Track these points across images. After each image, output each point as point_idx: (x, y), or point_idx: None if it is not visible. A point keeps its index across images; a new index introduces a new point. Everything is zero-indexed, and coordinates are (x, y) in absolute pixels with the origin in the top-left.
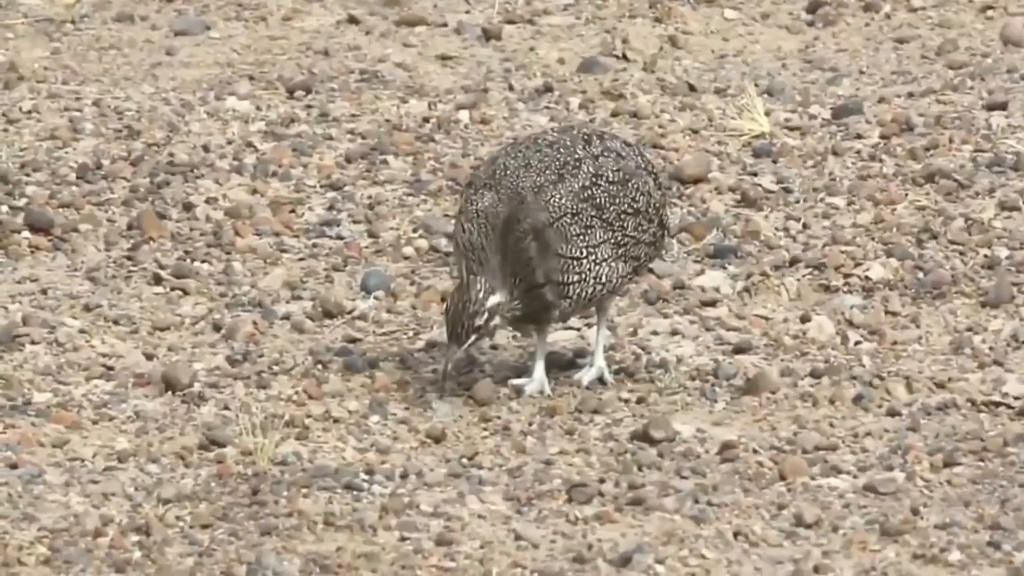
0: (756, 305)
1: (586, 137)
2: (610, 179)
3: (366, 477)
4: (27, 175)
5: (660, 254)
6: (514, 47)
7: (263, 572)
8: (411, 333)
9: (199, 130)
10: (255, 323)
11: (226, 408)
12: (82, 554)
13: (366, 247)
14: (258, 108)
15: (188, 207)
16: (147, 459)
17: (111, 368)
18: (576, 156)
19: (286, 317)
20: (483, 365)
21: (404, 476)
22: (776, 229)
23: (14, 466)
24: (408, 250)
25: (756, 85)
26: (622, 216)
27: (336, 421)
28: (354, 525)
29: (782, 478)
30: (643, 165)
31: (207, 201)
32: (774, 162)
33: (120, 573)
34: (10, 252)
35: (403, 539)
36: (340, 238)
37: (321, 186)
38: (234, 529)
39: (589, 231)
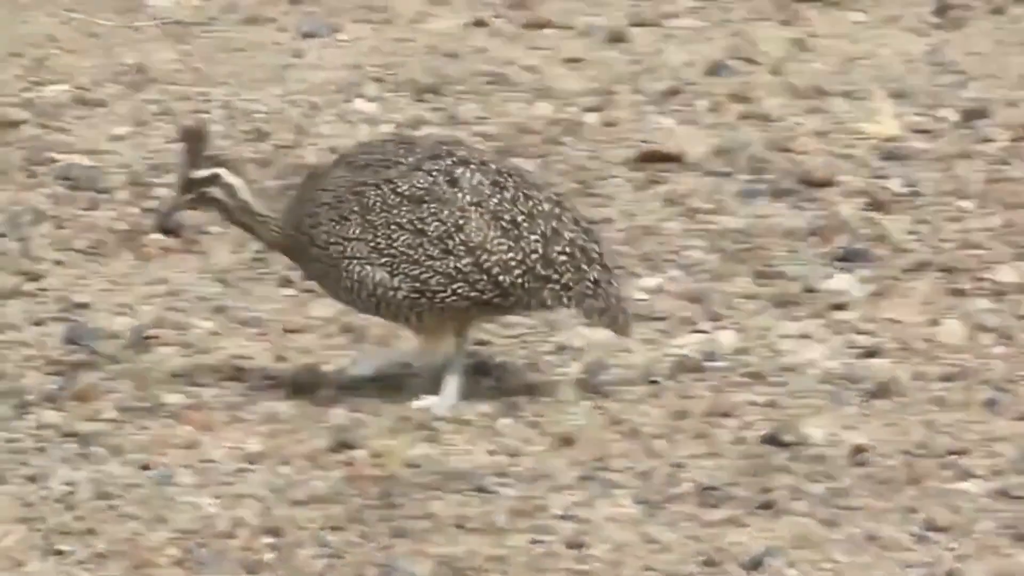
0: (886, 308)
1: (438, 153)
2: (398, 189)
3: (497, 480)
4: (157, 177)
5: (490, 297)
6: (642, 50)
7: (394, 575)
8: (541, 335)
9: (327, 132)
10: (385, 325)
11: (357, 410)
12: (214, 556)
13: None
14: (386, 110)
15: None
16: (279, 461)
17: (242, 370)
18: (396, 159)
19: None
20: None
21: (535, 479)
22: (905, 232)
23: (146, 468)
24: None
25: (885, 88)
26: (391, 226)
27: (467, 424)
28: (485, 528)
29: (913, 482)
30: (477, 203)
31: None
32: (903, 165)
33: (252, 575)
34: (141, 254)
35: (534, 542)
36: None
37: None
38: (365, 531)
39: (344, 223)
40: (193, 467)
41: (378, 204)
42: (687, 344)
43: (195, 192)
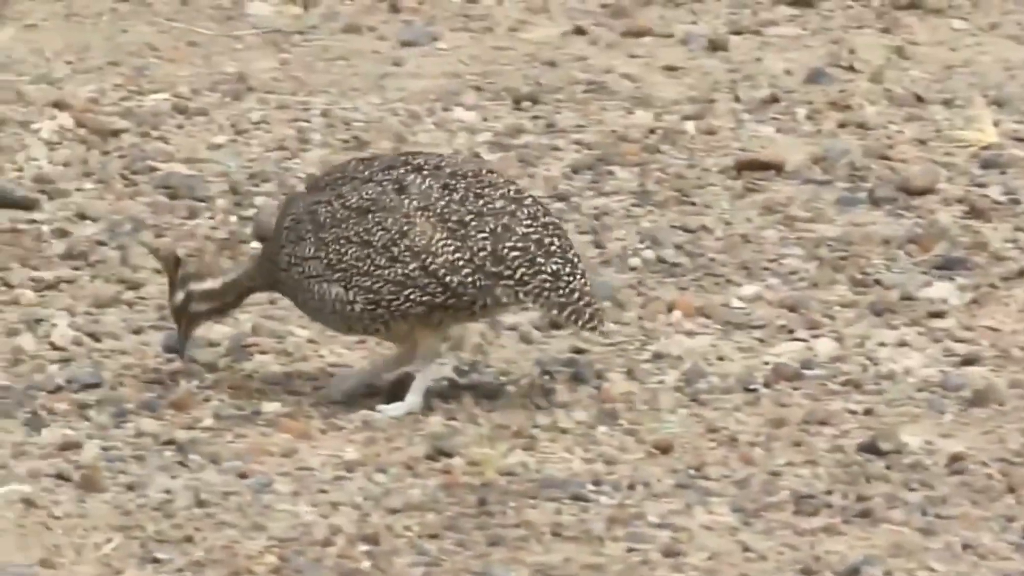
0: (984, 316)
1: (393, 164)
2: (347, 203)
3: (593, 488)
4: (256, 186)
5: (443, 299)
6: (740, 58)
7: None
8: (638, 343)
9: (426, 141)
10: (482, 334)
11: (454, 419)
12: (311, 563)
13: (592, 258)
14: (484, 119)
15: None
16: (375, 469)
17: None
18: (353, 174)
19: (513, 328)
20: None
21: (631, 487)
22: (1004, 240)
23: (244, 475)
24: (634, 261)
25: (984, 96)
26: (340, 241)
27: (563, 432)
28: (581, 536)
29: (1011, 491)
30: (423, 207)
31: None
32: (1002, 173)
33: None
34: (239, 262)
35: (630, 550)
36: None
37: (547, 196)
38: (462, 539)
39: (301, 243)
40: (290, 475)
41: (328, 220)
42: (784, 352)
43: (185, 318)
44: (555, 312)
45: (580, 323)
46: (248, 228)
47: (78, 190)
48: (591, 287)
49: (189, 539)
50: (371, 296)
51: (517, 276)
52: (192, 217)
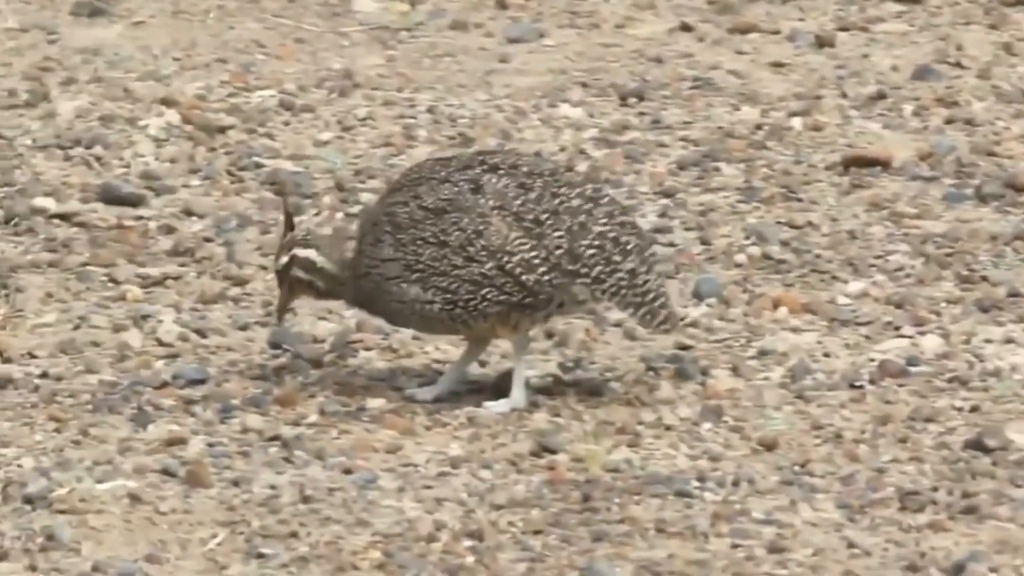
0: None
1: (470, 164)
2: (424, 203)
3: (698, 484)
4: (361, 182)
5: (520, 298)
6: (847, 54)
7: None
8: (743, 340)
9: (532, 137)
10: (587, 330)
11: (558, 415)
12: (415, 559)
13: (698, 254)
14: (591, 115)
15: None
16: (480, 465)
17: (444, 374)
18: (430, 175)
19: (618, 324)
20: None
21: (736, 483)
22: None
23: (349, 471)
24: (740, 257)
25: None
26: (417, 242)
27: (668, 428)
28: (685, 532)
29: None
30: (499, 207)
31: None
32: None
33: None
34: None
35: (735, 546)
36: (672, 245)
37: (654, 193)
38: (566, 535)
39: (379, 245)
40: (395, 471)
41: (405, 221)
42: (890, 349)
43: (286, 282)
44: (630, 311)
45: (654, 324)
46: (354, 225)
47: (185, 186)
48: (666, 289)
49: (294, 535)
50: (448, 296)
51: (594, 274)
52: (298, 214)
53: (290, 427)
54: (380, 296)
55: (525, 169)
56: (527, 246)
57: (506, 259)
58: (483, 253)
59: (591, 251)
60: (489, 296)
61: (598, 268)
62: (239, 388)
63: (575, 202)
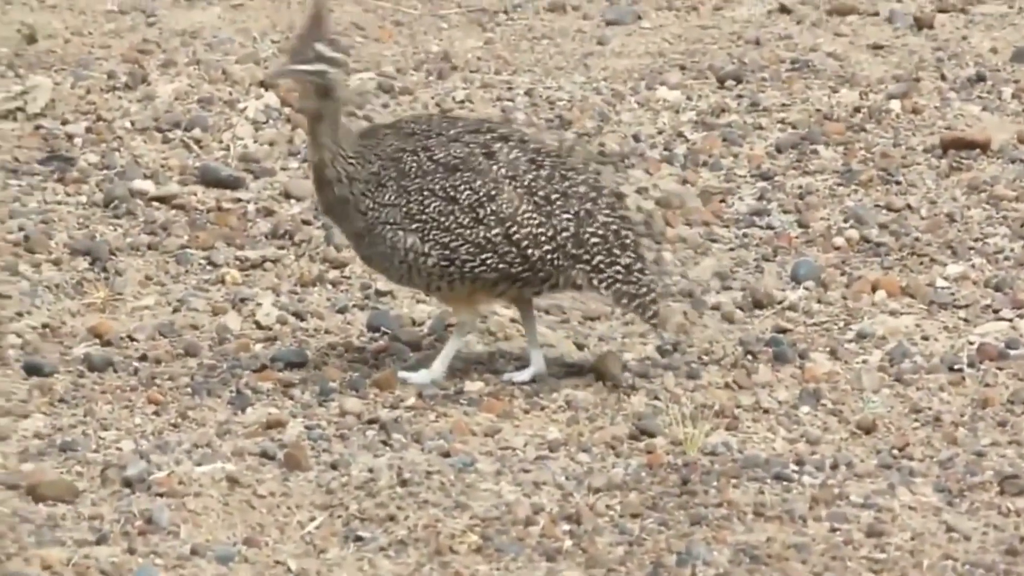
0: None
1: (479, 128)
2: (434, 156)
3: (796, 467)
4: None
5: (519, 270)
6: (946, 36)
7: (693, 562)
8: (841, 323)
9: (630, 120)
10: (685, 313)
11: (656, 398)
12: (513, 542)
13: (796, 237)
14: (688, 98)
15: (619, 196)
16: (578, 448)
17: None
18: (439, 130)
19: (716, 307)
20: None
21: (834, 467)
22: None
23: (447, 455)
24: (839, 240)
25: None
26: (424, 192)
27: (766, 411)
28: (784, 516)
29: None
30: (511, 176)
31: (637, 190)
32: None
33: (551, 562)
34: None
35: (833, 530)
36: (770, 228)
37: (751, 176)
38: (664, 519)
39: (381, 189)
40: (493, 454)
41: (413, 170)
42: (989, 332)
43: (315, 64)
44: (624, 302)
45: (644, 316)
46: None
47: (283, 169)
48: (659, 286)
49: (392, 518)
50: (446, 253)
51: (594, 262)
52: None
53: (388, 410)
54: (369, 237)
55: (533, 146)
56: (535, 221)
57: (514, 229)
58: (492, 218)
59: (595, 239)
60: (488, 261)
61: (599, 257)
62: (337, 371)
63: (581, 188)
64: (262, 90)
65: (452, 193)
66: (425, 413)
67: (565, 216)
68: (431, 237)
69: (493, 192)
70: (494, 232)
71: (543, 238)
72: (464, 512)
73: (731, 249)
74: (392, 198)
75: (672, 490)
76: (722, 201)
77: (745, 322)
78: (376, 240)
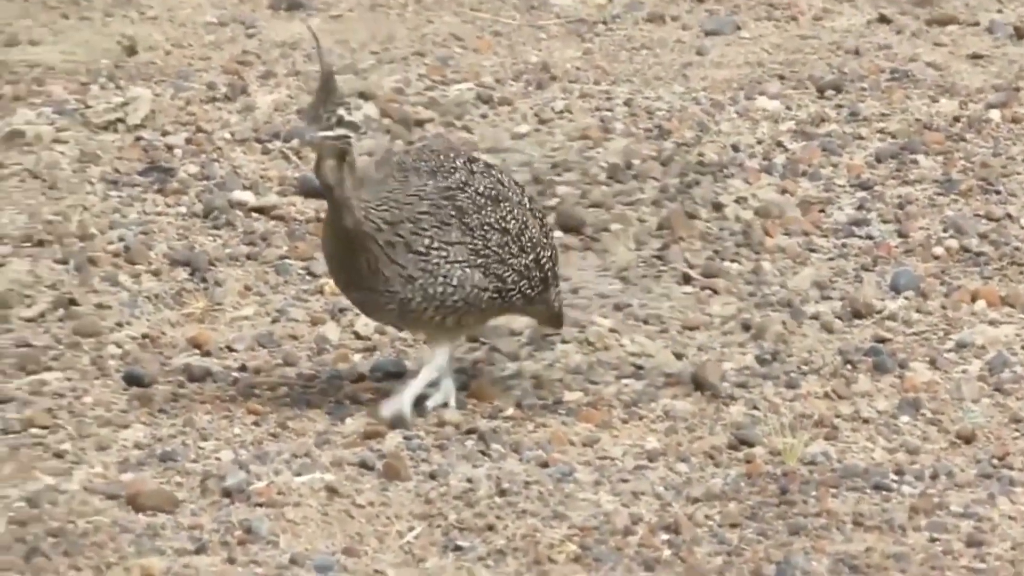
0: None
1: (459, 155)
2: (478, 190)
3: (895, 477)
4: (559, 175)
5: (540, 296)
6: None
7: (792, 572)
8: (941, 333)
9: (729, 130)
10: (784, 323)
11: (755, 408)
12: (612, 552)
13: (896, 246)
14: (788, 107)
15: (718, 207)
16: (676, 458)
17: (641, 367)
18: (451, 164)
19: (815, 316)
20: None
21: (934, 476)
22: None
23: (545, 465)
24: (938, 250)
25: None
26: (484, 227)
27: (865, 421)
28: (883, 525)
29: None
30: (524, 201)
31: (736, 200)
32: None
33: (649, 571)
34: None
35: (933, 540)
36: (870, 237)
37: (851, 185)
38: (763, 528)
39: (445, 227)
40: (591, 464)
41: (470, 206)
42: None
43: (338, 129)
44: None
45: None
46: (551, 217)
47: None
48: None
49: (491, 527)
50: (499, 284)
51: (559, 284)
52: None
53: (487, 420)
54: (421, 275)
55: (502, 174)
56: (546, 243)
57: (542, 254)
58: (529, 245)
59: (555, 264)
60: (522, 287)
61: (559, 278)
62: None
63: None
64: (362, 100)
65: (504, 224)
66: (523, 423)
67: (551, 241)
68: (491, 271)
69: (525, 219)
70: (530, 259)
71: (552, 261)
72: (563, 522)
73: (830, 259)
74: (458, 236)
75: (771, 500)
76: (821, 211)
77: (844, 332)
78: (431, 280)
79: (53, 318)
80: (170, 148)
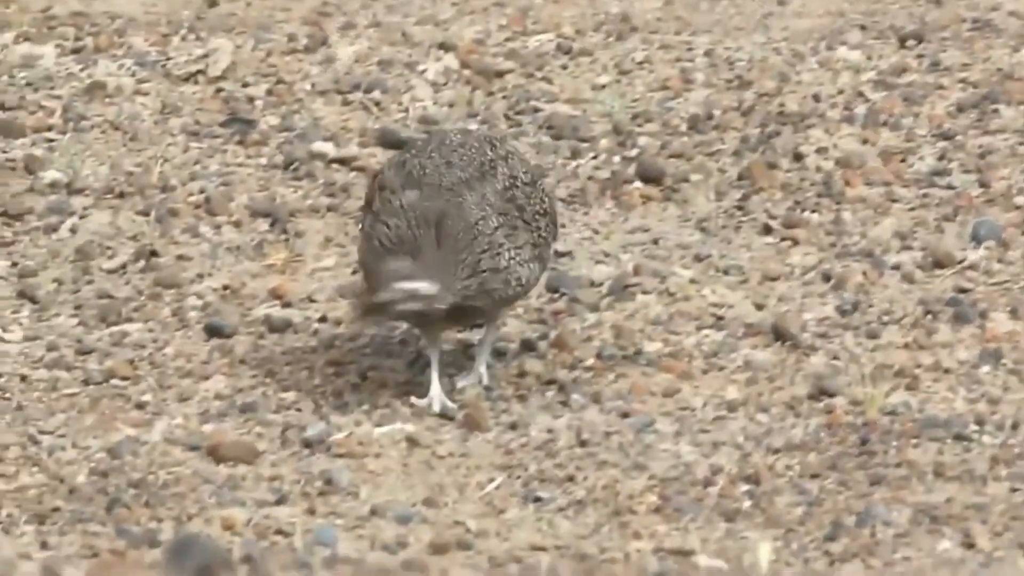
0: None
1: (489, 140)
2: (517, 176)
3: (976, 427)
4: (639, 126)
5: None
6: None
7: (872, 522)
8: (1022, 283)
9: (809, 80)
10: (865, 273)
11: (836, 358)
12: (692, 503)
13: (977, 196)
14: (869, 57)
15: (798, 157)
16: (757, 409)
17: (721, 318)
18: (475, 152)
19: (896, 267)
20: None
21: (1015, 427)
22: None
23: (626, 415)
24: (1020, 199)
25: None
26: (536, 215)
27: (946, 371)
28: (963, 476)
29: None
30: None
31: (817, 151)
32: None
33: (729, 522)
34: (622, 202)
35: (1013, 490)
36: (951, 187)
37: (932, 135)
38: (843, 479)
39: (514, 233)
40: (672, 415)
41: (522, 199)
42: None
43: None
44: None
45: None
46: (631, 168)
47: None
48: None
49: (571, 478)
50: (544, 269)
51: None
52: (575, 157)
53: (567, 371)
54: (497, 282)
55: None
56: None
57: (558, 233)
58: (556, 226)
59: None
60: (545, 271)
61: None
62: (516, 332)
63: None
64: (441, 51)
65: (544, 207)
66: (604, 374)
67: None
68: (544, 257)
69: (552, 196)
70: (556, 241)
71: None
72: (643, 472)
73: (911, 209)
74: (525, 237)
75: (851, 450)
76: (902, 161)
77: (925, 282)
78: (507, 290)
79: (134, 269)
80: (251, 99)
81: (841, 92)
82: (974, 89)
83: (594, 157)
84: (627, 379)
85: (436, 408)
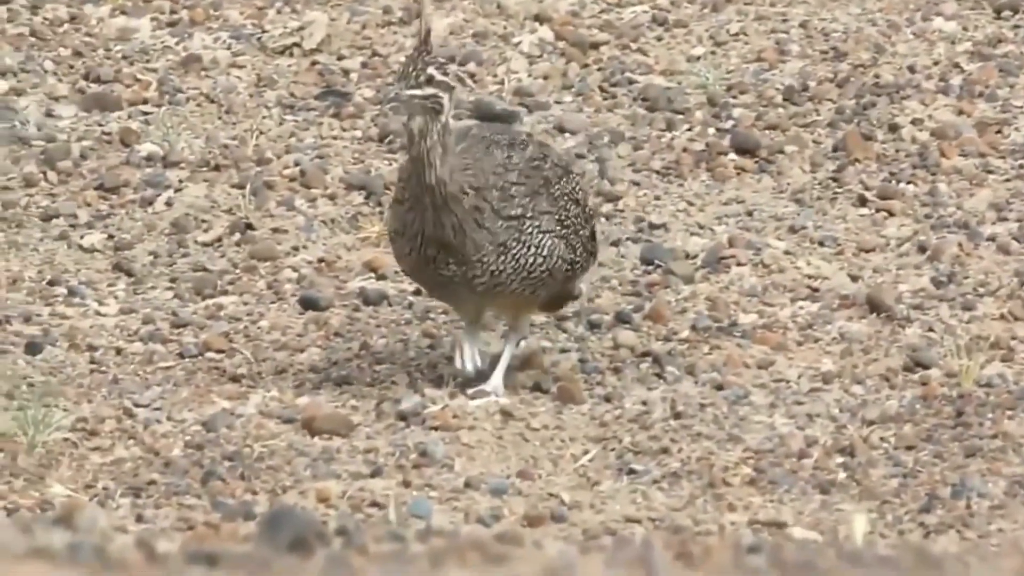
0: None
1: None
2: (554, 160)
3: None
4: (734, 97)
5: (582, 270)
6: None
7: (967, 494)
8: None
9: (905, 51)
10: (960, 244)
11: (931, 330)
12: (786, 475)
13: None
14: (964, 28)
15: (893, 128)
16: (852, 380)
17: (816, 290)
18: (516, 136)
19: (992, 238)
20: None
21: None
22: None
23: (720, 387)
24: None
25: None
26: (564, 198)
27: None
28: None
29: None
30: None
31: (913, 122)
32: None
33: (824, 494)
34: (717, 174)
35: None
36: None
37: None
38: (938, 451)
39: (536, 196)
40: (766, 386)
41: (553, 177)
42: None
43: (427, 88)
44: None
45: None
46: (725, 140)
47: (557, 103)
48: None
49: (665, 450)
50: (572, 256)
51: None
52: (670, 129)
53: (661, 343)
54: (514, 243)
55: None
56: (594, 217)
57: (595, 224)
58: (590, 215)
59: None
60: (582, 259)
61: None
62: (611, 304)
63: None
64: (536, 24)
65: (576, 195)
66: (698, 346)
67: None
68: (571, 241)
69: (585, 190)
70: (589, 230)
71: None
72: (737, 445)
73: (1007, 180)
74: (547, 206)
75: (947, 422)
76: (998, 132)
77: (1021, 253)
78: (523, 250)
79: (230, 242)
80: (346, 72)
81: (936, 63)
82: None
83: (689, 129)
84: (722, 351)
85: (469, 367)
